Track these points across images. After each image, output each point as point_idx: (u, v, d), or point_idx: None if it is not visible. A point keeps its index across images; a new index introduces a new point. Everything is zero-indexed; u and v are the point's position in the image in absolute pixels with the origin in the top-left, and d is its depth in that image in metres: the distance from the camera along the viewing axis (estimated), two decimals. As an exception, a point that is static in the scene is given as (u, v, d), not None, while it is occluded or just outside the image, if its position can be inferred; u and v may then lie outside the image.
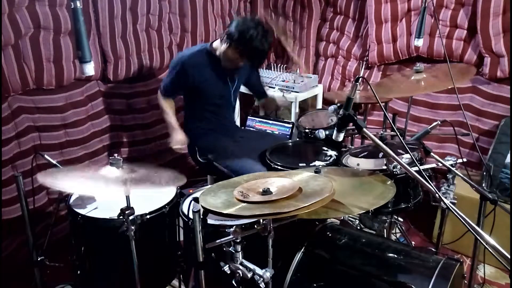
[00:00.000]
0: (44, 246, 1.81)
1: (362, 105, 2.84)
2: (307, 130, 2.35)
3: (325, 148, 2.21)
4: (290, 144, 2.37)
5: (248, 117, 3.02)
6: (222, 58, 2.24)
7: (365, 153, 1.89)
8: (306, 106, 3.27)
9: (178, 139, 2.32)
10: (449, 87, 1.88)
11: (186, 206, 1.76)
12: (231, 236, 1.37)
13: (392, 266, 1.51)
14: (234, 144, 2.41)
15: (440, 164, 1.61)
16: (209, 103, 2.39)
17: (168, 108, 2.40)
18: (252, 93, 2.82)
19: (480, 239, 1.11)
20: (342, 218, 2.34)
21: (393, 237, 2.36)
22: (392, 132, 2.08)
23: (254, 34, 2.07)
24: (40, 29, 2.21)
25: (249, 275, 1.36)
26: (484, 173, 2.35)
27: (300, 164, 2.03)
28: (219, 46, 2.23)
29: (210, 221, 1.62)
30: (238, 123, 3.15)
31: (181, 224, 1.86)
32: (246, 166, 2.13)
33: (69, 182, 1.40)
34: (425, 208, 1.92)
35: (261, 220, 1.35)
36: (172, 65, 2.33)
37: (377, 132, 2.02)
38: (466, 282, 1.60)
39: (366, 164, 1.93)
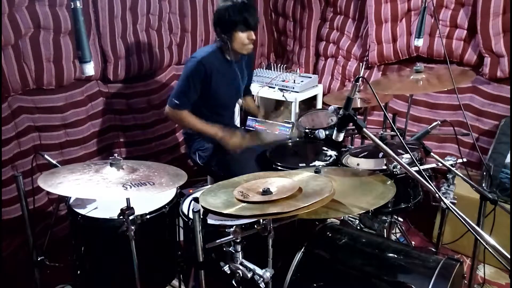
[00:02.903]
0: (44, 246, 1.80)
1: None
2: (307, 130, 2.35)
3: (325, 148, 2.21)
4: (290, 144, 2.37)
5: (248, 117, 3.02)
6: (232, 48, 2.21)
7: (365, 153, 1.89)
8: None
9: (237, 141, 2.22)
10: (450, 88, 1.88)
11: (186, 206, 1.76)
12: (231, 236, 1.37)
13: (392, 266, 1.51)
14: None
15: (440, 164, 1.61)
16: (218, 104, 2.33)
17: (190, 117, 2.23)
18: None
19: (480, 239, 1.11)
20: (342, 218, 2.34)
21: (393, 237, 2.36)
22: (392, 132, 2.08)
23: (231, 6, 2.13)
24: (40, 29, 2.21)
25: (249, 275, 1.36)
26: (484, 173, 2.35)
27: (300, 164, 2.03)
28: (221, 42, 2.22)
29: (210, 221, 1.62)
30: (238, 123, 3.15)
31: (181, 224, 1.86)
32: (247, 170, 2.12)
33: (69, 187, 1.40)
34: (425, 208, 1.92)
35: (261, 220, 1.35)
36: (189, 71, 2.17)
37: (377, 132, 2.02)
38: (466, 282, 1.60)
39: (366, 164, 1.93)
